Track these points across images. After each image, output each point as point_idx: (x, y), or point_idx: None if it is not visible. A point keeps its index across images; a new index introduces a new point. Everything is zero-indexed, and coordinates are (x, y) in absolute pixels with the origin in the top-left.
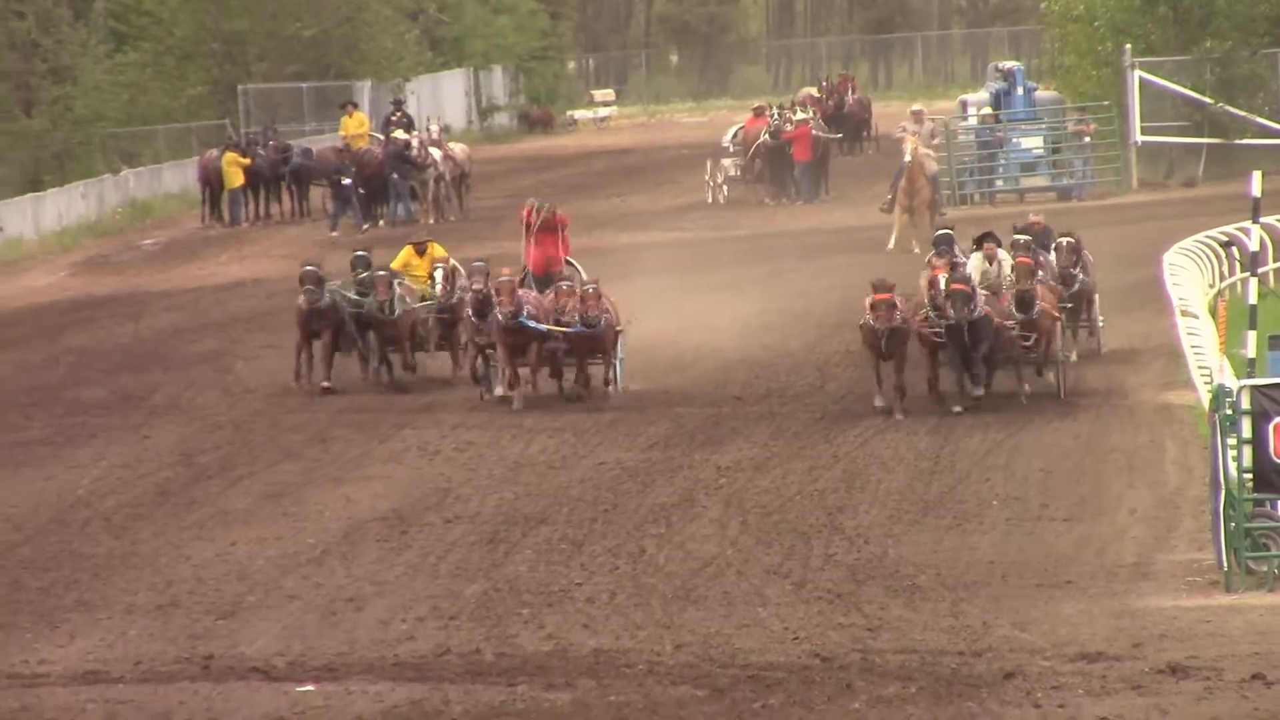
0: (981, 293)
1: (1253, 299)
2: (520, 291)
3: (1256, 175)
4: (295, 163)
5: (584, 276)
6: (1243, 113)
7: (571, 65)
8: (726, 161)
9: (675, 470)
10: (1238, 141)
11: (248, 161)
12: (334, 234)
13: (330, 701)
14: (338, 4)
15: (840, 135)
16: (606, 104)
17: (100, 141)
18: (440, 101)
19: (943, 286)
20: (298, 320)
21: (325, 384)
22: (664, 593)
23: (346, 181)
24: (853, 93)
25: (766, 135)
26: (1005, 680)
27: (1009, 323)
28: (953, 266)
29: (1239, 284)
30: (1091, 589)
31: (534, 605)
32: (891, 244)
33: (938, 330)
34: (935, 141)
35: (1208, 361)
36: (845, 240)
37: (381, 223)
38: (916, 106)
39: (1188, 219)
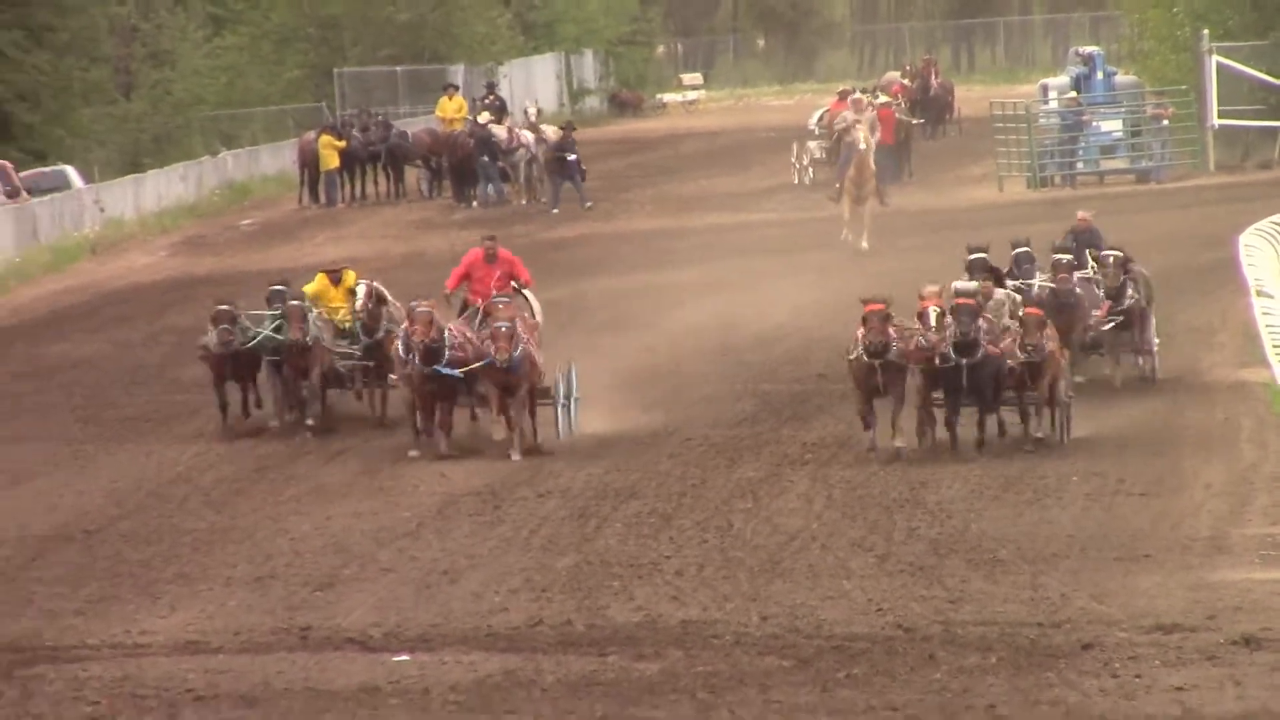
0: (985, 322)
1: None
2: (450, 328)
3: None
4: (392, 142)
5: (535, 306)
6: None
7: (660, 49)
8: (812, 144)
9: (762, 446)
10: None
11: (343, 144)
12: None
13: (425, 671)
14: None
15: (923, 120)
16: (694, 87)
17: (199, 124)
18: (532, 85)
19: (932, 320)
20: (209, 363)
21: (228, 432)
22: (751, 566)
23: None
24: (936, 77)
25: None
26: (1083, 651)
27: (1010, 362)
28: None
29: None
30: (1167, 562)
31: (624, 578)
32: (844, 233)
33: (931, 355)
34: (875, 135)
35: None
36: (926, 223)
37: (475, 204)
38: (856, 95)
39: (1264, 201)
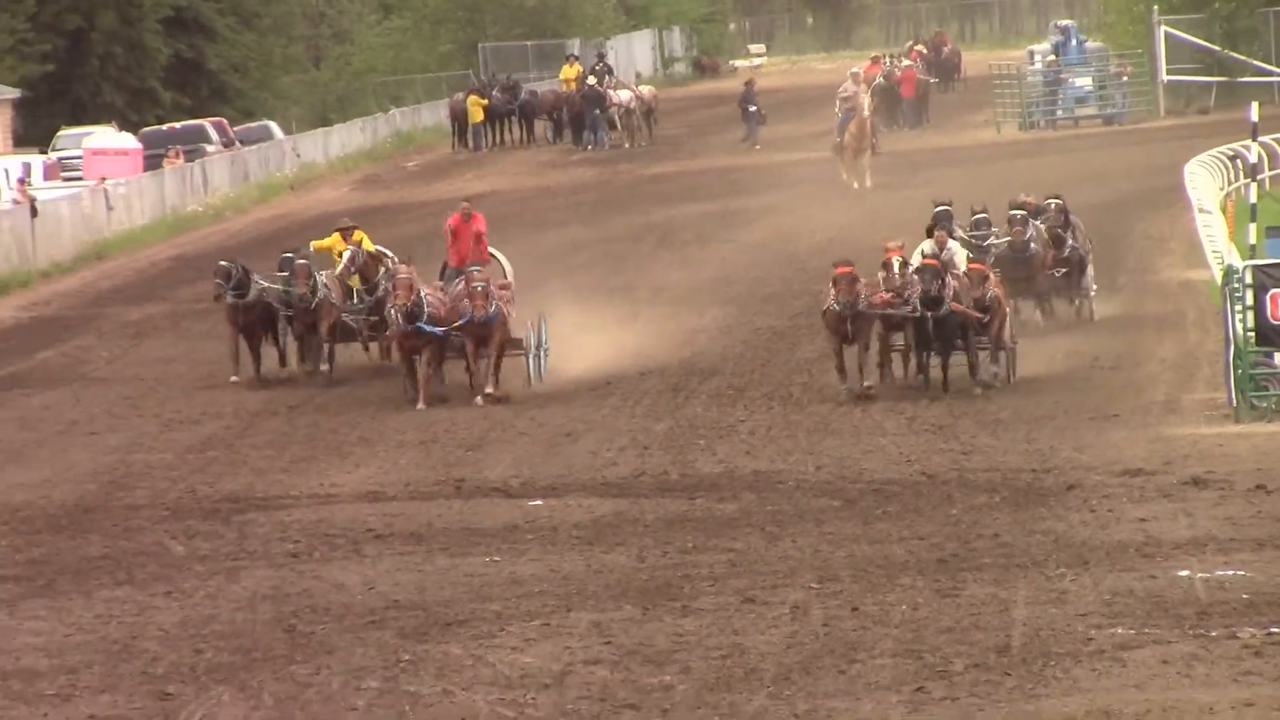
0: (952, 276)
1: (1253, 199)
2: (424, 290)
3: (1254, 105)
4: (523, 100)
5: (507, 268)
6: (1243, 57)
7: (732, 26)
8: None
9: (816, 332)
10: (1240, 80)
11: (485, 102)
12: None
13: (554, 513)
14: None
15: (936, 79)
16: (759, 55)
17: (373, 88)
18: (632, 54)
19: (895, 268)
20: (226, 316)
21: (252, 376)
22: (807, 427)
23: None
24: (946, 45)
25: (881, 79)
26: (1068, 491)
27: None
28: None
29: (1242, 188)
30: (1132, 421)
31: (708, 437)
32: (845, 177)
33: (896, 308)
34: (873, 102)
35: (1219, 247)
36: (943, 158)
37: (590, 148)
38: (856, 69)
39: (1203, 139)
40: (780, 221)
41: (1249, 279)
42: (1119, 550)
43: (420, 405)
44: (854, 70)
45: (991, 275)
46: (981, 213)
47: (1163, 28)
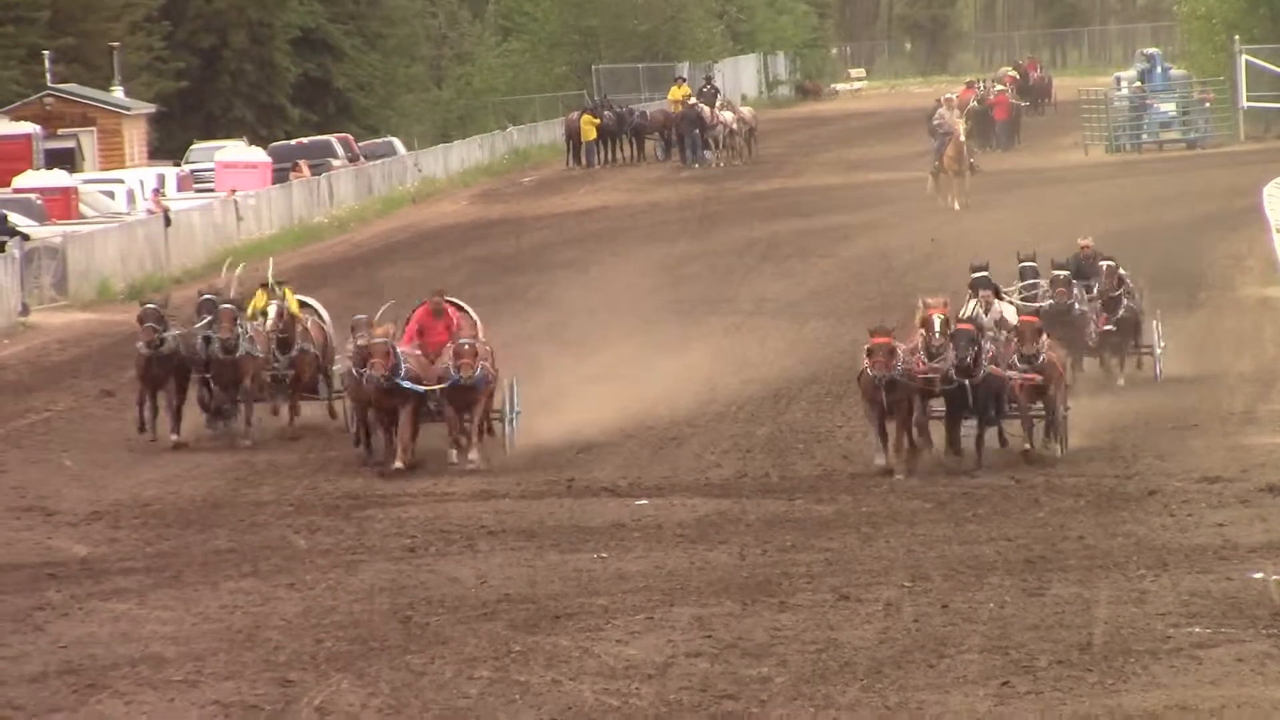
0: (989, 339)
1: None
2: (401, 350)
3: None
4: (634, 121)
5: (477, 324)
6: None
7: (834, 51)
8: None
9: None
10: None
11: (598, 121)
12: (668, 164)
13: (659, 512)
14: (663, 6)
15: (1027, 102)
16: (859, 79)
17: (491, 107)
18: (738, 77)
19: (937, 328)
20: (137, 367)
21: (174, 437)
22: None
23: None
24: (1037, 71)
25: (974, 102)
26: (1149, 496)
27: (1011, 373)
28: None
29: None
30: (1211, 430)
31: (807, 441)
32: (931, 189)
33: (931, 376)
34: (967, 126)
35: None
36: (1033, 178)
37: (696, 166)
38: (949, 94)
39: None
40: (877, 238)
41: None
42: (1197, 553)
43: (397, 464)
44: (946, 95)
45: (1046, 334)
46: (1028, 261)
47: (1243, 56)
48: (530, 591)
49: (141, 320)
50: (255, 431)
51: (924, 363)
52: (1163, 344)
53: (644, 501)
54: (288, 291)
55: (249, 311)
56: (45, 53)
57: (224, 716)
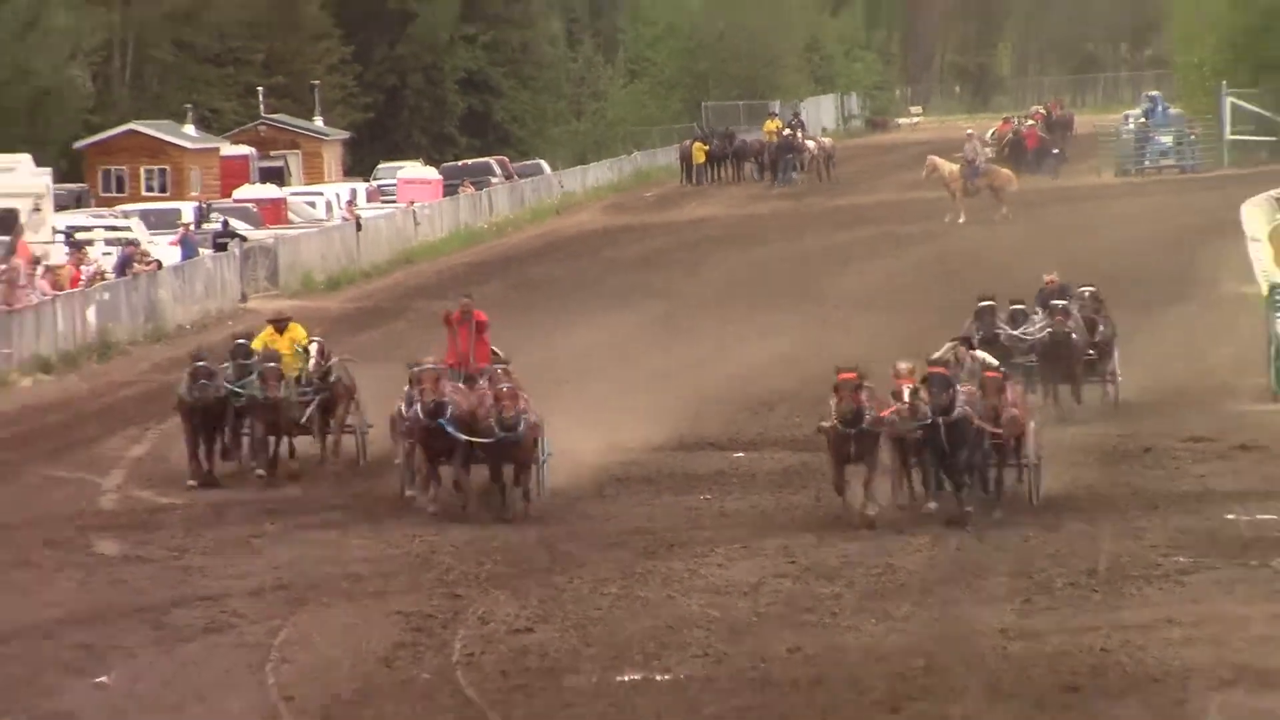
0: (962, 389)
1: None
2: (448, 386)
3: None
4: (737, 145)
5: (509, 369)
6: None
7: (896, 92)
8: (988, 148)
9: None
10: None
11: (707, 147)
12: (762, 183)
13: (753, 463)
14: (761, 54)
15: (1057, 150)
16: (917, 115)
17: (620, 135)
18: (819, 112)
19: (906, 398)
20: (180, 412)
21: (195, 480)
22: None
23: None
24: (1060, 109)
25: (1011, 134)
26: (1144, 453)
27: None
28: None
29: None
30: (1197, 400)
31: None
32: (961, 219)
33: (911, 427)
34: (988, 153)
35: (1266, 268)
36: (1054, 196)
37: (786, 185)
38: (970, 130)
39: (1261, 185)
40: (934, 244)
41: None
42: (1182, 498)
43: (432, 508)
44: (969, 131)
45: (1010, 388)
46: (1016, 304)
47: (1228, 98)
48: (649, 525)
49: (194, 376)
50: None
51: (893, 408)
52: (1120, 374)
53: (740, 454)
54: (296, 326)
55: (257, 343)
56: (259, 89)
57: (406, 623)
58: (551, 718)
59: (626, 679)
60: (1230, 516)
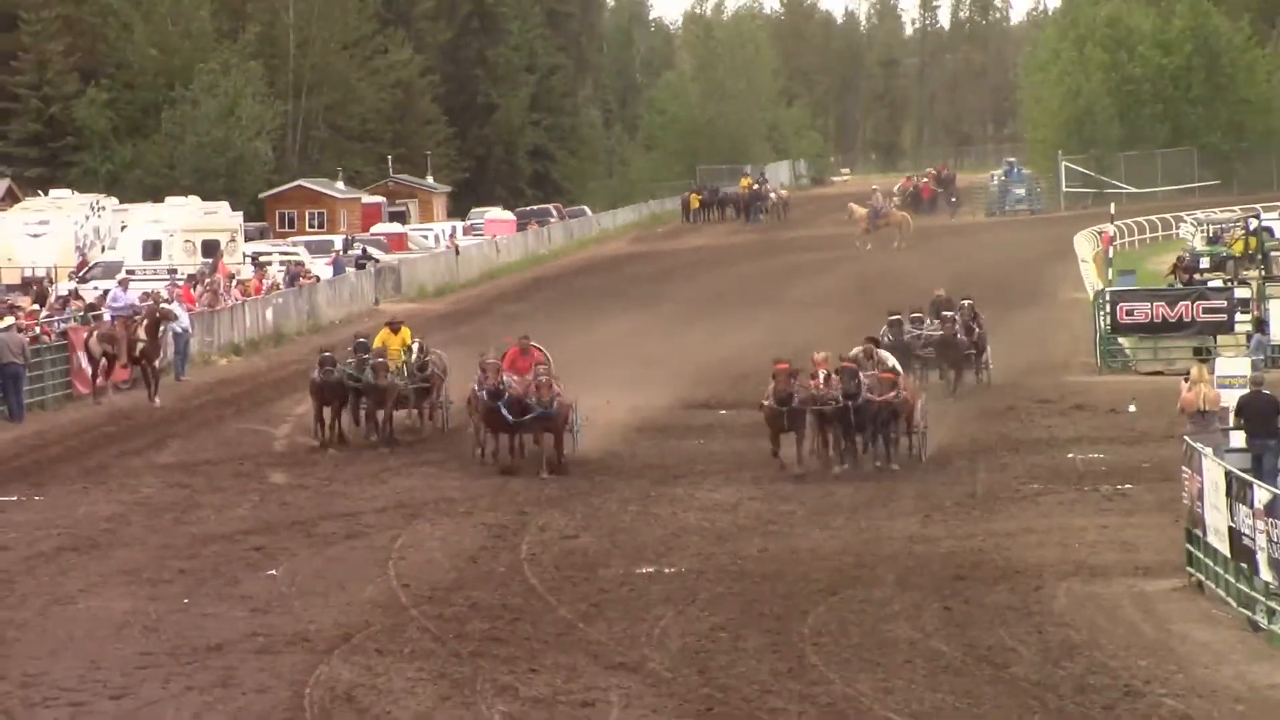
0: (866, 376)
1: (1110, 254)
2: (506, 376)
3: (1112, 205)
4: (720, 195)
5: (551, 364)
6: (1106, 179)
7: (832, 159)
8: (896, 198)
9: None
10: (1108, 191)
11: (700, 197)
12: (738, 222)
13: (733, 418)
14: (737, 133)
15: (942, 190)
16: (846, 175)
17: (639, 188)
18: (779, 173)
19: (821, 376)
20: (311, 391)
21: (322, 441)
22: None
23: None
24: (947, 170)
25: (911, 187)
26: (1008, 410)
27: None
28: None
29: (1109, 248)
30: (1044, 374)
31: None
32: (868, 247)
33: (827, 404)
34: (891, 203)
35: (1092, 280)
36: (941, 231)
37: (755, 224)
38: (875, 186)
39: (1088, 222)
40: (855, 264)
41: (1107, 297)
42: (1035, 443)
43: (500, 462)
44: (874, 187)
45: (900, 380)
46: (915, 313)
47: (1063, 162)
48: (660, 462)
49: (321, 364)
50: (391, 433)
51: (814, 392)
52: (991, 365)
53: (724, 412)
54: (407, 329)
55: (377, 341)
56: (389, 157)
57: (487, 532)
58: (591, 599)
59: (644, 571)
60: (1070, 456)
